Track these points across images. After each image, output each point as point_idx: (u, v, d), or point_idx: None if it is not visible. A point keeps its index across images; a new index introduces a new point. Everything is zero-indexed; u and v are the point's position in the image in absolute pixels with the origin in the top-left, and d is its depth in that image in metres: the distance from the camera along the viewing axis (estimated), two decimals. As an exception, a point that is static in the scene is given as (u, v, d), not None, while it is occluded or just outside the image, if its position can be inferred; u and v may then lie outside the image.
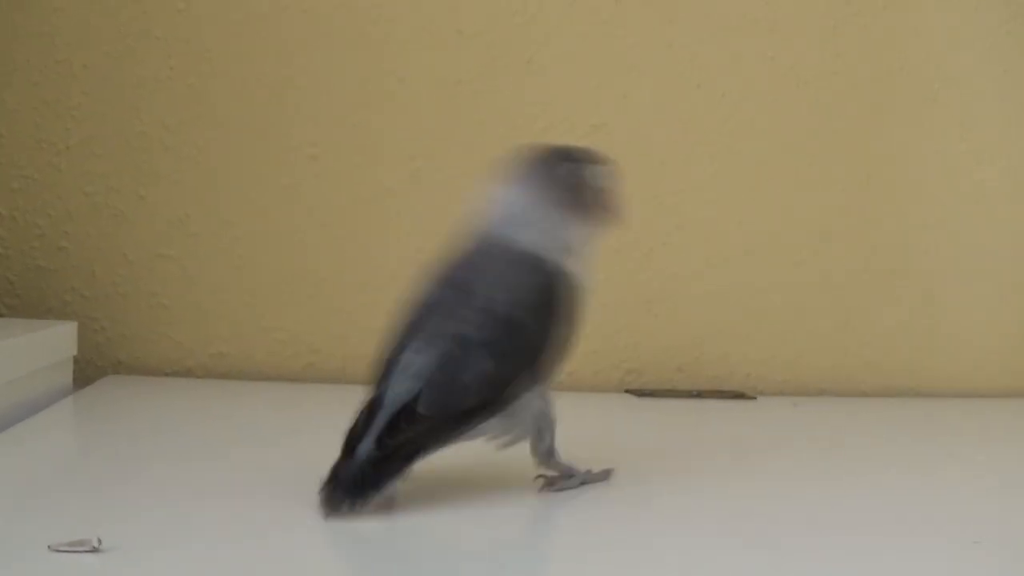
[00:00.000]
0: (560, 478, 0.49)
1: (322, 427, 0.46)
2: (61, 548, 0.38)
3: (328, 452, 0.44)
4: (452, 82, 0.80)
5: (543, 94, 0.80)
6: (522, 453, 0.49)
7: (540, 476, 0.49)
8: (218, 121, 0.79)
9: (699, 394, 0.78)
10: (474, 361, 0.44)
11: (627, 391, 0.79)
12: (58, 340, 0.72)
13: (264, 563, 0.40)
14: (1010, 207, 0.88)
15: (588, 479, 0.50)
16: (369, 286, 0.78)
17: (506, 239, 0.47)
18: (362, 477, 0.42)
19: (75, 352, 0.74)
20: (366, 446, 0.43)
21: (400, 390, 0.43)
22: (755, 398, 0.78)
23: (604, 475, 0.51)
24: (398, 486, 0.44)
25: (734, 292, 0.81)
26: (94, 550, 0.38)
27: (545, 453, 0.48)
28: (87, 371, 0.77)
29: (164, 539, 0.41)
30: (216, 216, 0.79)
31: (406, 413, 0.43)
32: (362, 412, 0.44)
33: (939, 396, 0.86)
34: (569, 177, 0.47)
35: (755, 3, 0.82)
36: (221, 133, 0.79)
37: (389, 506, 0.44)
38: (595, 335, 0.79)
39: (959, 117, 0.85)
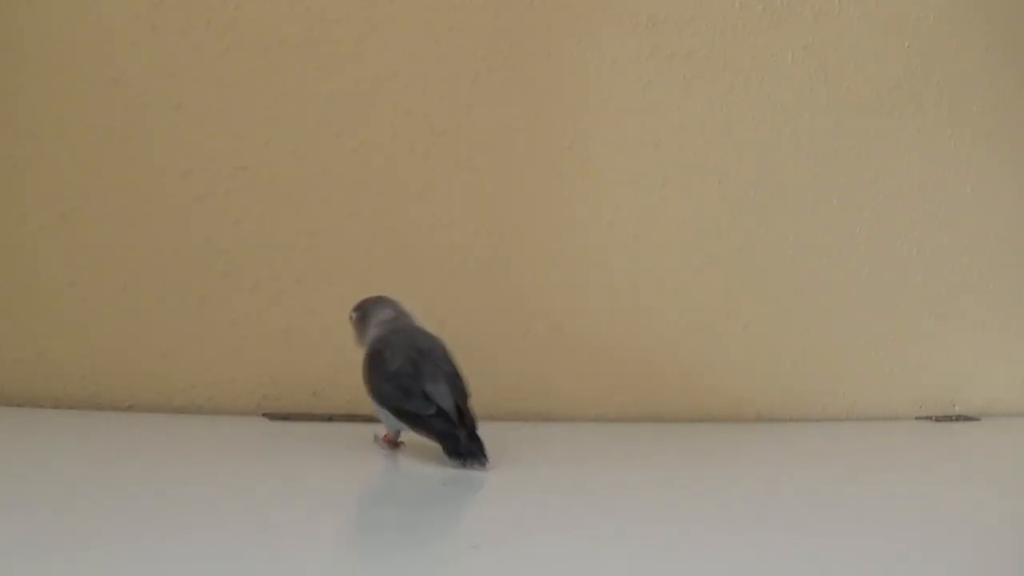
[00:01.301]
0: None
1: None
2: None
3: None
4: (103, 128, 0.84)
5: (190, 137, 0.86)
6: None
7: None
8: None
9: (330, 418, 0.85)
10: (462, 385, 0.76)
11: (264, 415, 0.85)
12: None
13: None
14: (638, 256, 1.02)
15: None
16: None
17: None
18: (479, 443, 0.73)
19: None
20: (469, 429, 0.73)
21: (449, 402, 0.73)
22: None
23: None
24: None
25: None
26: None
27: None
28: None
29: None
30: None
31: (461, 410, 0.74)
32: (443, 416, 0.73)
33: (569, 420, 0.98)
34: None
35: (393, 56, 0.92)
36: None
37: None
38: (234, 364, 0.85)
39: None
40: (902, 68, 1.23)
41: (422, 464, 0.74)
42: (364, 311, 0.79)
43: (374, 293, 0.83)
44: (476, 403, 0.77)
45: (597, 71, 1.01)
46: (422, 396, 0.73)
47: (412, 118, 0.93)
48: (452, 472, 0.71)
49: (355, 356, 0.78)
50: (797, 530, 0.64)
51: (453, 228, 0.94)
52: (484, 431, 0.74)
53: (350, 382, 0.79)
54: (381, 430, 0.78)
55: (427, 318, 0.82)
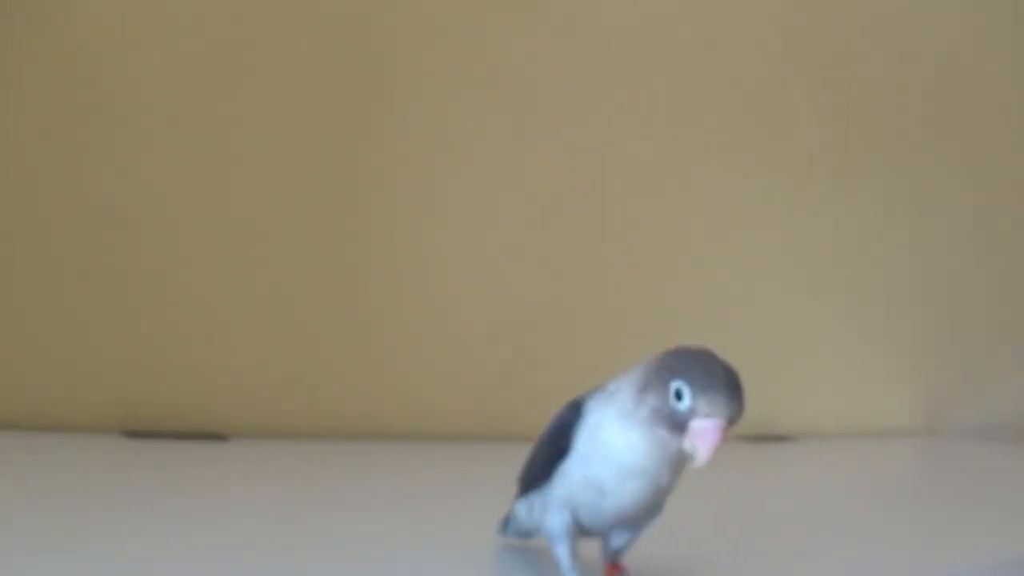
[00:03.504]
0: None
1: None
2: None
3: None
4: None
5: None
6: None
7: None
8: None
9: (180, 436, 0.98)
10: None
11: (124, 433, 0.98)
12: None
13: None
14: (470, 294, 1.17)
15: None
16: None
17: None
18: None
19: None
20: None
21: None
22: (228, 439, 0.99)
23: None
24: None
25: (215, 345, 1.03)
26: None
27: None
28: None
29: None
30: None
31: None
32: None
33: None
34: None
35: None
36: None
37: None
38: (95, 382, 0.98)
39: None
40: (723, 116, 1.39)
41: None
42: None
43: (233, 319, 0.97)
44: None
45: (436, 121, 1.15)
46: None
47: (263, 167, 1.07)
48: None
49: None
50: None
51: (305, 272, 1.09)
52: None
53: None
54: None
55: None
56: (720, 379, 0.50)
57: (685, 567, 0.62)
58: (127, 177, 1.00)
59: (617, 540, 0.56)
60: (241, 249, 1.05)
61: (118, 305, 1.00)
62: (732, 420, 0.50)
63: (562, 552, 0.55)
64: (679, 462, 0.52)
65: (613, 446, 0.52)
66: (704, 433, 0.49)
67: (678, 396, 0.50)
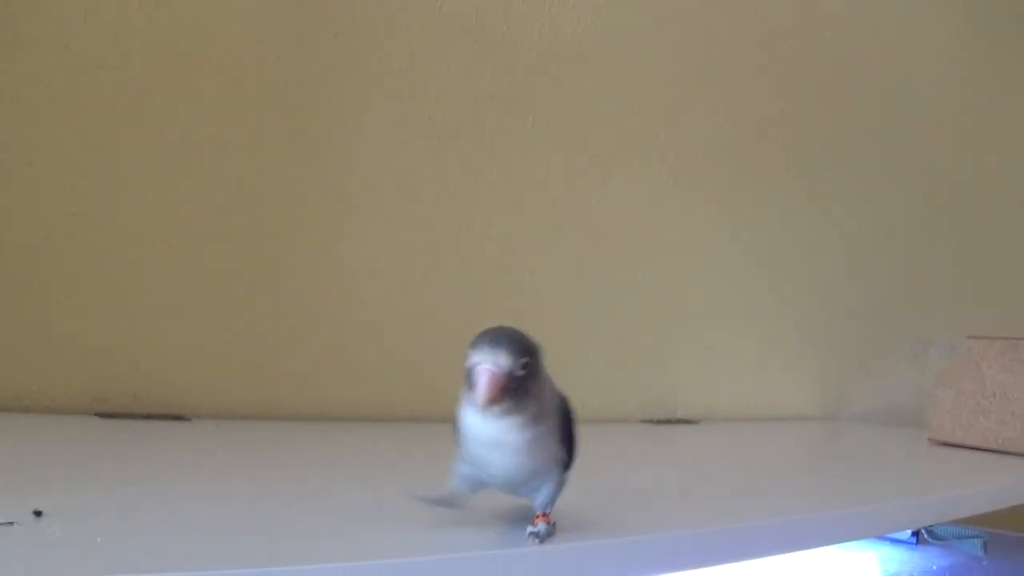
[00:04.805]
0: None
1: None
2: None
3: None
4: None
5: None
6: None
7: None
8: None
9: (148, 416, 1.09)
10: None
11: (96, 414, 1.08)
12: None
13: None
14: (397, 288, 1.29)
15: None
16: None
17: None
18: None
19: None
20: None
21: None
22: (190, 419, 1.10)
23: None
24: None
25: (178, 335, 1.12)
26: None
27: None
28: None
29: None
30: None
31: None
32: None
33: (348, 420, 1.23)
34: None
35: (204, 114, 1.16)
36: None
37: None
38: (69, 369, 1.07)
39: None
40: (633, 129, 1.52)
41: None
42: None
43: (195, 312, 1.08)
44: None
45: (367, 130, 1.26)
46: None
47: (222, 171, 1.17)
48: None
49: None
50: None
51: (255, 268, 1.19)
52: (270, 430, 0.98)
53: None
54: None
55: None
56: (487, 336, 0.56)
57: (587, 519, 0.69)
58: (96, 178, 1.08)
59: (530, 496, 0.62)
60: (202, 249, 1.15)
61: (90, 299, 1.08)
62: (497, 364, 0.55)
63: (451, 483, 0.63)
64: (543, 431, 0.58)
65: (465, 423, 0.59)
66: (477, 377, 0.55)
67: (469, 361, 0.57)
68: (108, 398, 1.09)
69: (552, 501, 0.62)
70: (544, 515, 0.61)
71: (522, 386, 0.57)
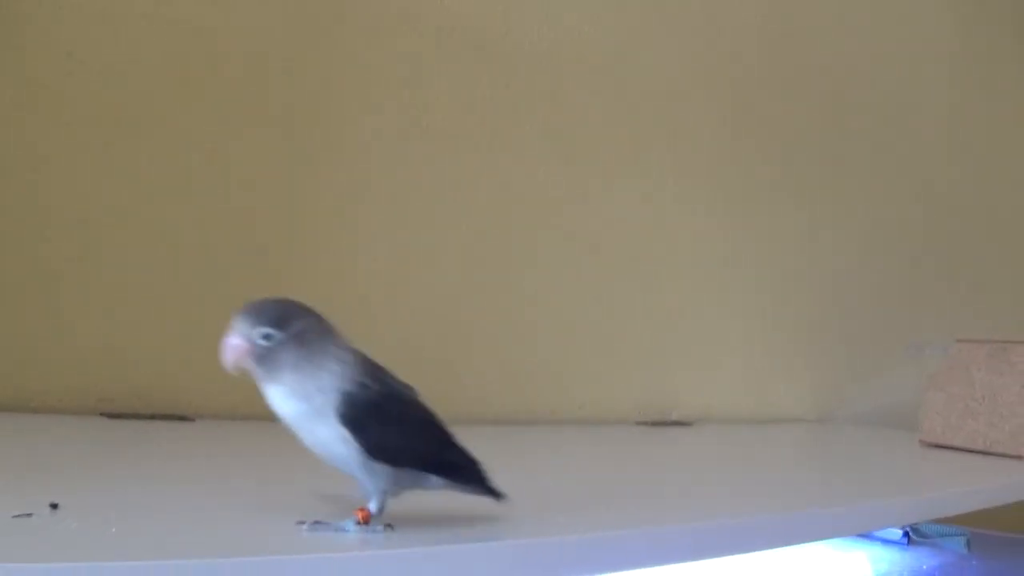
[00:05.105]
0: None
1: None
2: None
3: None
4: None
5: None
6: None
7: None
8: None
9: (153, 416, 1.11)
10: None
11: (102, 414, 1.10)
12: None
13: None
14: (398, 287, 1.31)
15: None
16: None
17: None
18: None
19: None
20: None
21: None
22: (194, 420, 1.12)
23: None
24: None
25: (182, 338, 1.14)
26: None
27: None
28: None
29: None
30: None
31: None
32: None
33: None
34: None
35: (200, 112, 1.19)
36: None
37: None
38: (76, 371, 1.09)
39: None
40: (632, 132, 1.54)
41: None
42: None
43: (198, 314, 1.11)
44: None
45: (368, 135, 1.29)
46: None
47: (219, 167, 1.20)
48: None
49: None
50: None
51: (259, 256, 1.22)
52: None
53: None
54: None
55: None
56: (245, 303, 0.57)
57: (581, 517, 0.71)
58: (100, 180, 1.11)
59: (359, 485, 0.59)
60: (206, 251, 1.17)
61: (96, 302, 1.11)
62: (237, 330, 0.56)
63: None
64: (311, 409, 0.57)
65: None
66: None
67: None
68: (113, 399, 1.11)
69: (376, 499, 0.59)
70: (363, 510, 0.58)
71: (271, 355, 0.57)
